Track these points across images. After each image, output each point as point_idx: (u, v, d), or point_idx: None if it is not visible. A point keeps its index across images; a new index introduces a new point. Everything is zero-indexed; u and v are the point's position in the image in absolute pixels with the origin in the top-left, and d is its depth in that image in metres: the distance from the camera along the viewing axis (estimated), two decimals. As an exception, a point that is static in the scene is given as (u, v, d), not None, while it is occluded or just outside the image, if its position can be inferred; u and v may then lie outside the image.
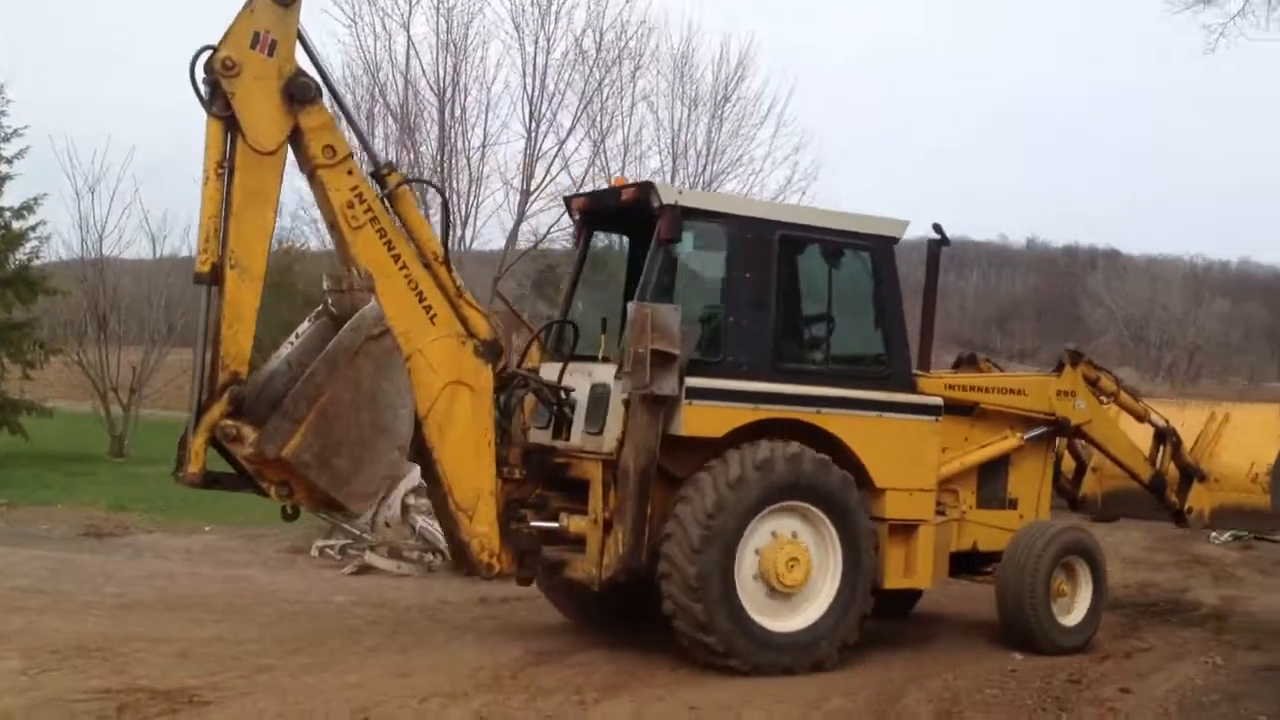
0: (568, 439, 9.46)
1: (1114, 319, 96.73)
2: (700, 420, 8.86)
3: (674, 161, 37.10)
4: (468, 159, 34.83)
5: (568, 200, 11.10)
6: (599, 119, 33.81)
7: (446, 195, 7.87)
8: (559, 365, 9.66)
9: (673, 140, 37.27)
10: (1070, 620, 10.25)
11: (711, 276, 9.72)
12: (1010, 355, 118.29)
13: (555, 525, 9.20)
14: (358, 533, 13.60)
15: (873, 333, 9.99)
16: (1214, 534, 13.66)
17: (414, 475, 13.99)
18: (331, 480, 7.93)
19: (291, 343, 8.56)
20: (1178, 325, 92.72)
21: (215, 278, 8.01)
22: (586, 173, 35.85)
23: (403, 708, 7.51)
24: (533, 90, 31.78)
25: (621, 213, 10.00)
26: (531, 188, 33.67)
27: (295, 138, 8.27)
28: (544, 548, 9.15)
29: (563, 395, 9.47)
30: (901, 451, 9.59)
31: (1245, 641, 10.89)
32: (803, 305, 10.06)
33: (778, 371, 9.25)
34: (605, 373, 9.30)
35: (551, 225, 34.41)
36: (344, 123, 8.85)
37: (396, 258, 8.54)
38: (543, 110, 32.31)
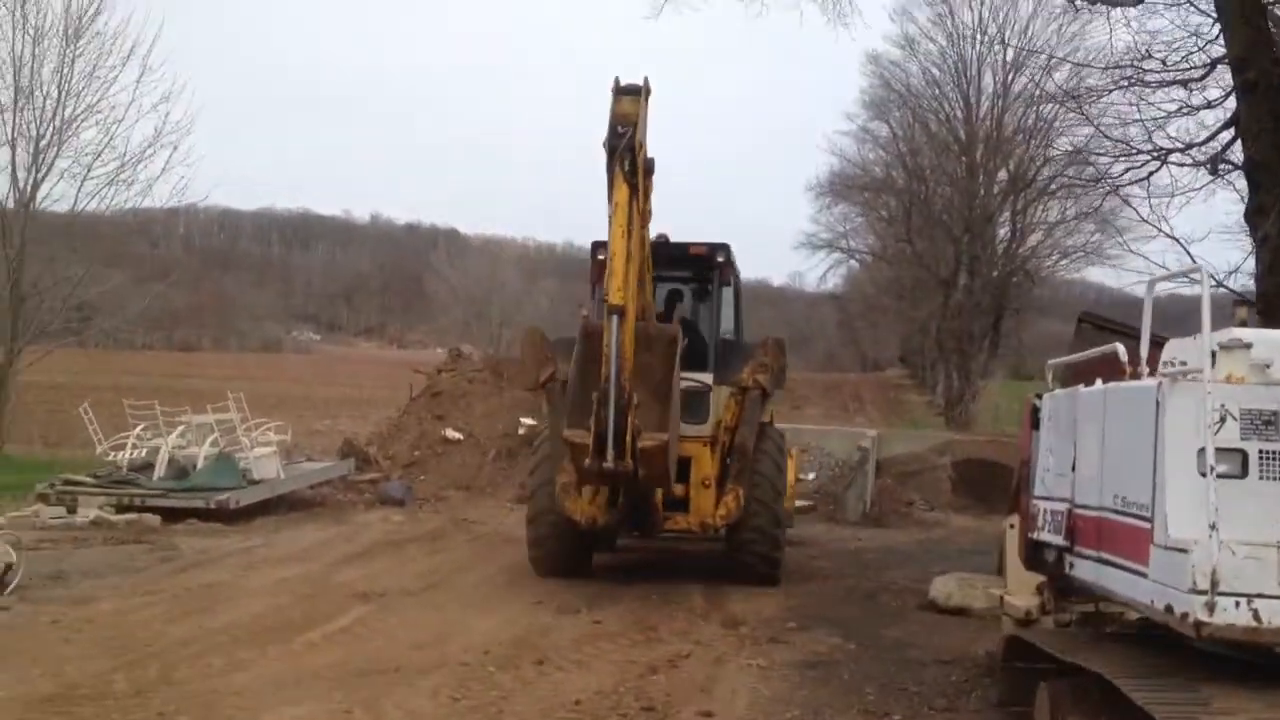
0: None
1: (456, 296, 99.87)
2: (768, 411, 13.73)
3: (16, 100, 31.61)
4: None
5: (604, 244, 12.12)
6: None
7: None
8: None
9: (15, 75, 31.78)
10: None
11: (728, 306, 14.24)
12: (358, 331, 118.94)
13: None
14: None
15: None
16: None
17: None
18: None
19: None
20: (515, 304, 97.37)
21: (624, 310, 10.47)
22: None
23: None
24: None
25: (670, 261, 13.46)
26: None
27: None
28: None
29: None
30: None
31: (760, 634, 10.47)
32: None
33: None
34: (699, 377, 12.91)
35: None
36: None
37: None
38: None
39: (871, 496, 20.72)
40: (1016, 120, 44.65)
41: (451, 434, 23.06)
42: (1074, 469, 6.08)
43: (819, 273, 74.46)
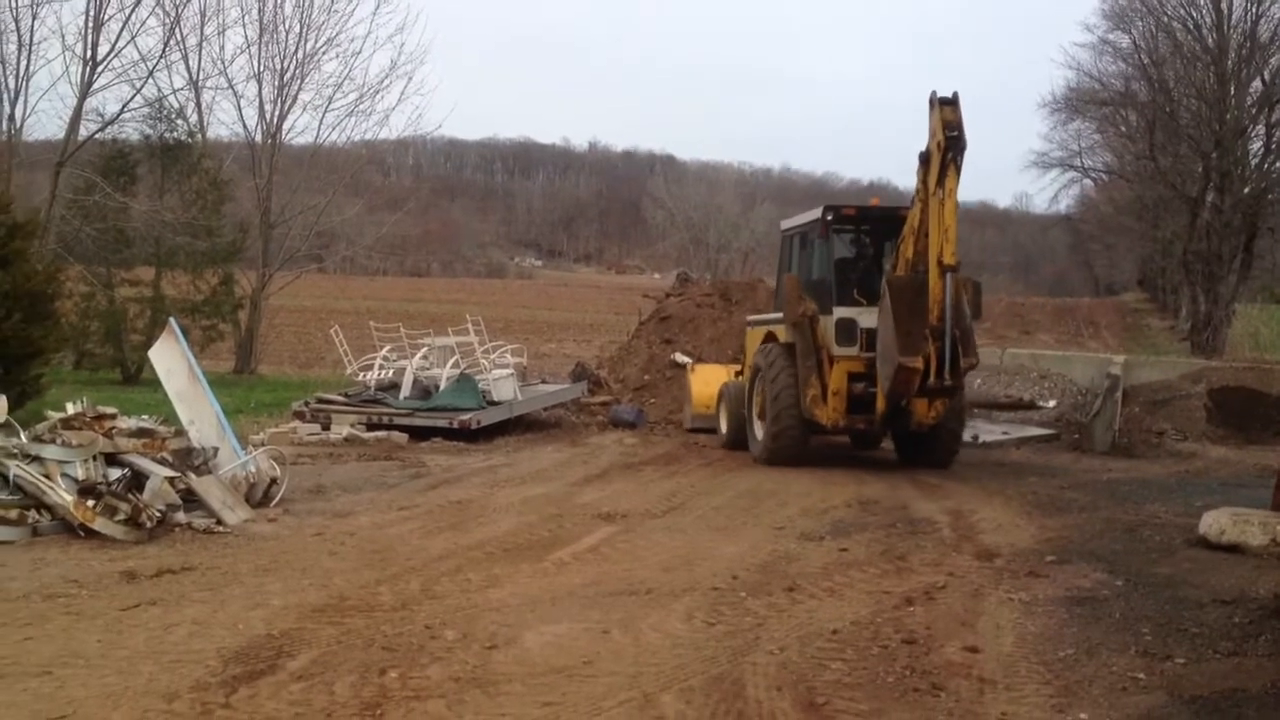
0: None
1: (674, 222, 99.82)
2: None
3: (261, 35, 32.85)
4: (15, 17, 29.03)
5: (835, 208, 16.34)
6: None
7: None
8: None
9: (260, 10, 33.01)
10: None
11: None
12: (576, 257, 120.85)
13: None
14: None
15: None
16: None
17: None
18: None
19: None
20: (733, 228, 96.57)
21: (956, 268, 13.59)
22: (166, 45, 30.85)
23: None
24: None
25: (870, 219, 16.92)
26: (99, 57, 28.58)
27: None
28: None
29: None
30: None
31: (1017, 567, 10.02)
32: None
33: None
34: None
35: (126, 103, 29.02)
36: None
37: None
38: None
39: (1120, 425, 19.75)
40: (1273, 26, 41.42)
41: (680, 358, 23.07)
42: None
43: (1049, 194, 71.24)
